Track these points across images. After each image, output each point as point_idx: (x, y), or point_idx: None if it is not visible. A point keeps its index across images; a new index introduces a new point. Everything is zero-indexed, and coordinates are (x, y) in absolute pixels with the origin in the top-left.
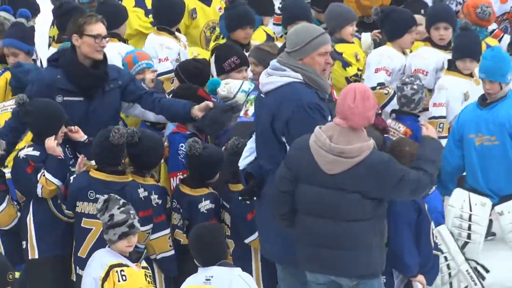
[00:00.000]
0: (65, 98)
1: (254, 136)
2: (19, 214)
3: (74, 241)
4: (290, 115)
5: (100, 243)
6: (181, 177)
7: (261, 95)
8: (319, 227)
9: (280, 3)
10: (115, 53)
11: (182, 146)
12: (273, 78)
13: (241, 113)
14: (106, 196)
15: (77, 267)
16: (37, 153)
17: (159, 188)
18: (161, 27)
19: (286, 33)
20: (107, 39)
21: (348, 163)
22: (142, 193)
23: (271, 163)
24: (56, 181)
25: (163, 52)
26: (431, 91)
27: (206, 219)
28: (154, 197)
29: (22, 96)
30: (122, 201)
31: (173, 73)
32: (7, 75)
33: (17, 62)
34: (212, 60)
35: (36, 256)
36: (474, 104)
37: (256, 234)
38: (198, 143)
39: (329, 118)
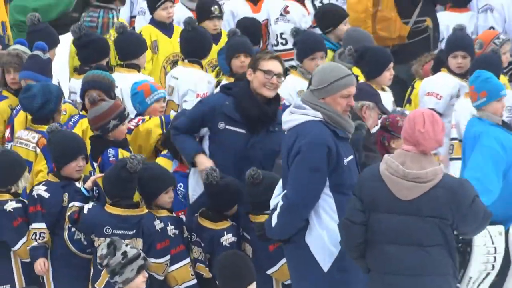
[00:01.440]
0: (227, 126)
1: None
2: None
3: (91, 272)
4: (296, 153)
5: None
6: (183, 216)
7: (285, 132)
8: (399, 254)
9: (293, 35)
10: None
11: (180, 186)
12: (293, 116)
13: None
14: (107, 240)
15: None
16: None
17: (174, 218)
18: (193, 60)
19: (301, 67)
20: (281, 78)
21: (424, 188)
22: (158, 224)
23: None
24: None
25: (203, 86)
26: (441, 115)
27: None
28: (170, 227)
29: (53, 125)
30: (125, 241)
31: None
32: None
33: (26, 86)
34: None
35: None
36: (502, 131)
37: (278, 265)
38: (216, 171)
39: (346, 159)
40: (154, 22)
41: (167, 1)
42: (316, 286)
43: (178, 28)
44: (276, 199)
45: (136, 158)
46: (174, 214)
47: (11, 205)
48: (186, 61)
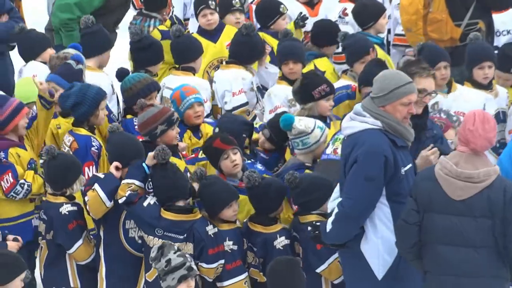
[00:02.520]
0: None
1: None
2: (94, 252)
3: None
4: (353, 161)
5: None
6: None
7: (344, 137)
8: (454, 255)
9: (341, 39)
10: None
11: None
12: (353, 123)
13: (330, 151)
14: (159, 242)
15: None
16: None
17: (234, 232)
18: (230, 61)
19: (351, 71)
20: (432, 94)
21: (476, 188)
22: (211, 230)
23: None
24: (103, 196)
25: (238, 84)
26: None
27: (282, 255)
28: (228, 243)
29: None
30: (176, 246)
31: (247, 106)
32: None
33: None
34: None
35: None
36: None
37: (327, 263)
38: (256, 173)
39: (404, 168)
40: (199, 29)
41: (205, 9)
42: None
43: (227, 32)
44: (333, 203)
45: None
46: (238, 224)
47: (66, 208)
48: (224, 63)
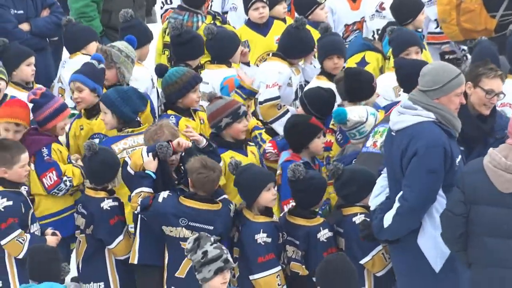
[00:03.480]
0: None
1: (384, 174)
2: None
3: (167, 263)
4: (412, 154)
5: None
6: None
7: (392, 132)
8: (500, 247)
9: (389, 34)
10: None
11: None
12: (404, 117)
13: (369, 144)
14: (195, 234)
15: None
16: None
17: (269, 225)
18: (275, 53)
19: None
20: (501, 96)
21: None
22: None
23: None
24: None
25: (273, 77)
26: None
27: (326, 248)
28: (262, 235)
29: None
30: (213, 237)
31: (278, 100)
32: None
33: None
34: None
35: (135, 262)
36: None
37: (371, 255)
38: (301, 166)
39: (457, 159)
40: (249, 22)
41: (258, 2)
42: (426, 286)
43: (276, 26)
44: (377, 199)
45: (164, 145)
46: (274, 218)
47: (108, 204)
48: (271, 55)
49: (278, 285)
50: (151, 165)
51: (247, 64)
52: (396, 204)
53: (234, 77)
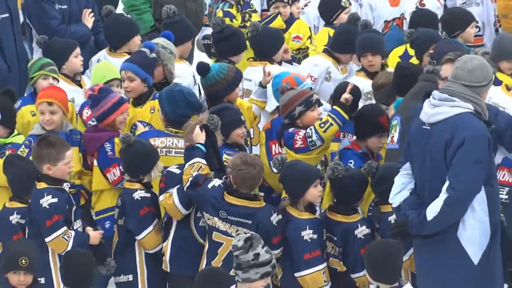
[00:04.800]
0: None
1: (403, 171)
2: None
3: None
4: (458, 145)
5: (231, 258)
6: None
7: (424, 126)
8: None
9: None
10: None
11: (351, 163)
12: (442, 109)
13: (388, 140)
14: (247, 234)
15: None
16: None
17: (314, 222)
18: (325, 49)
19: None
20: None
21: None
22: (275, 219)
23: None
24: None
25: (307, 68)
26: None
27: (364, 245)
28: (308, 232)
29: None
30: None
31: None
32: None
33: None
34: None
35: (168, 270)
36: None
37: (408, 254)
38: (340, 165)
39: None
40: None
41: (278, 1)
42: (466, 279)
43: (296, 24)
44: (400, 196)
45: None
46: (317, 215)
47: (139, 194)
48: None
49: (324, 281)
50: (200, 137)
51: (290, 62)
52: (443, 195)
53: (290, 74)
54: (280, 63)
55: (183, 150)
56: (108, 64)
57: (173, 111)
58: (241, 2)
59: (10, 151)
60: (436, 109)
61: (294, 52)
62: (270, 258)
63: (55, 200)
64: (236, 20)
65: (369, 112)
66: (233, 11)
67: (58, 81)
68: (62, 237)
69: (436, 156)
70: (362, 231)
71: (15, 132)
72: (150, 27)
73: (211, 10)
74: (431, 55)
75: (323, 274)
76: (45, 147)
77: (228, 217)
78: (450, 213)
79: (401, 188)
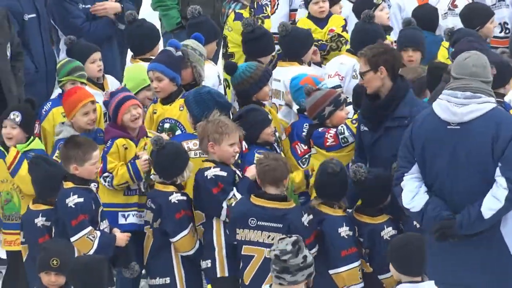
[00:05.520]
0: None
1: (410, 175)
2: (197, 245)
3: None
4: (509, 138)
5: (262, 272)
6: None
7: (450, 126)
8: None
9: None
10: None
11: None
12: (473, 107)
13: None
14: (293, 237)
15: None
16: (224, 173)
17: (349, 219)
18: (348, 49)
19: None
20: None
21: None
22: (306, 219)
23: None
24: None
25: (333, 67)
26: None
27: None
28: (345, 229)
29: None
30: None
31: (340, 89)
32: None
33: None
34: None
35: (226, 274)
36: None
37: None
38: (362, 167)
39: None
40: (309, 15)
41: None
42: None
43: (333, 19)
44: (418, 200)
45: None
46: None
47: (176, 197)
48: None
49: (360, 278)
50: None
51: (319, 64)
52: (503, 192)
53: (308, 75)
54: (309, 64)
55: None
56: (141, 72)
57: (202, 113)
58: (255, 5)
59: None
60: (466, 108)
61: (327, 41)
62: (312, 259)
63: (81, 199)
64: None
65: None
66: (245, 13)
67: (86, 85)
68: (87, 237)
69: (477, 153)
70: (388, 232)
71: (31, 138)
72: (176, 23)
73: (223, 11)
74: (452, 54)
75: (359, 271)
76: (72, 148)
77: (258, 223)
78: (509, 208)
79: (415, 192)
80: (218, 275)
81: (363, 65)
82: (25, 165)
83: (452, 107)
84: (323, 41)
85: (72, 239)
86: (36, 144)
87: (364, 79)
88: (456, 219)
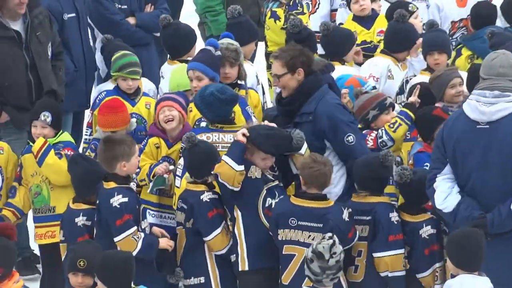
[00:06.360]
0: None
1: (443, 176)
2: (230, 243)
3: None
4: None
5: (302, 272)
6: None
7: (479, 126)
8: None
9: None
10: (335, 76)
11: (427, 166)
12: (501, 105)
13: None
14: (330, 240)
15: None
16: None
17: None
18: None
19: None
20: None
21: None
22: (346, 215)
23: None
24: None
25: (368, 69)
26: None
27: (428, 245)
28: (395, 214)
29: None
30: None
31: (375, 90)
32: None
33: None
34: None
35: (246, 268)
36: None
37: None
38: (407, 170)
39: None
40: (354, 16)
41: None
42: None
43: (380, 20)
44: (450, 201)
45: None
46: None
47: (207, 196)
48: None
49: (403, 266)
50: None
51: (360, 64)
52: None
53: (353, 76)
54: (360, 65)
55: (229, 145)
56: (183, 73)
57: (212, 113)
58: (290, 2)
59: (67, 150)
60: (495, 106)
61: (379, 42)
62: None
63: (126, 199)
64: (279, 21)
65: (424, 111)
66: (280, 11)
67: (139, 79)
68: (132, 237)
69: (507, 151)
70: (427, 231)
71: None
72: (224, 28)
73: (262, 10)
74: None
75: (404, 259)
76: (117, 146)
77: (299, 223)
78: None
79: (447, 193)
80: (240, 269)
81: (279, 67)
82: (52, 154)
83: (481, 106)
84: (373, 42)
85: (116, 239)
86: (65, 136)
87: (280, 81)
88: (487, 218)
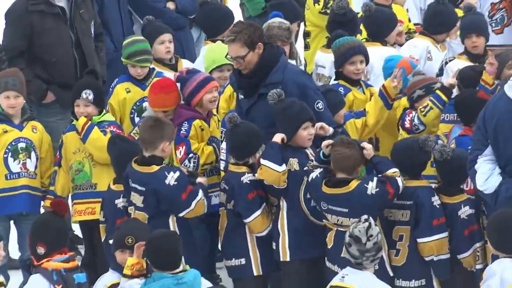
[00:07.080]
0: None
1: (484, 157)
2: (270, 226)
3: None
4: None
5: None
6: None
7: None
8: None
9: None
10: (377, 57)
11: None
12: None
13: None
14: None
15: (336, 265)
16: None
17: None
18: (422, 31)
19: None
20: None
21: None
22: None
23: None
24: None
25: (406, 50)
26: None
27: (467, 225)
28: (436, 198)
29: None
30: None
31: None
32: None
33: None
34: None
35: (288, 259)
36: None
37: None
38: (447, 147)
39: None
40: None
41: None
42: None
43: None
44: (491, 182)
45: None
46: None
47: (248, 177)
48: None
49: (448, 249)
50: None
51: (401, 45)
52: None
53: (403, 57)
54: (393, 46)
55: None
56: (220, 49)
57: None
58: None
59: (112, 128)
60: None
61: None
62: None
63: (178, 173)
64: (318, 4)
65: (466, 94)
66: None
67: (149, 66)
68: (201, 199)
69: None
70: (465, 211)
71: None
72: (261, 8)
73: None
74: None
75: (447, 242)
76: (166, 126)
77: (329, 207)
78: None
79: (488, 174)
80: (281, 259)
81: (240, 49)
82: (96, 130)
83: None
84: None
85: (185, 211)
86: (109, 116)
87: (245, 61)
88: None
